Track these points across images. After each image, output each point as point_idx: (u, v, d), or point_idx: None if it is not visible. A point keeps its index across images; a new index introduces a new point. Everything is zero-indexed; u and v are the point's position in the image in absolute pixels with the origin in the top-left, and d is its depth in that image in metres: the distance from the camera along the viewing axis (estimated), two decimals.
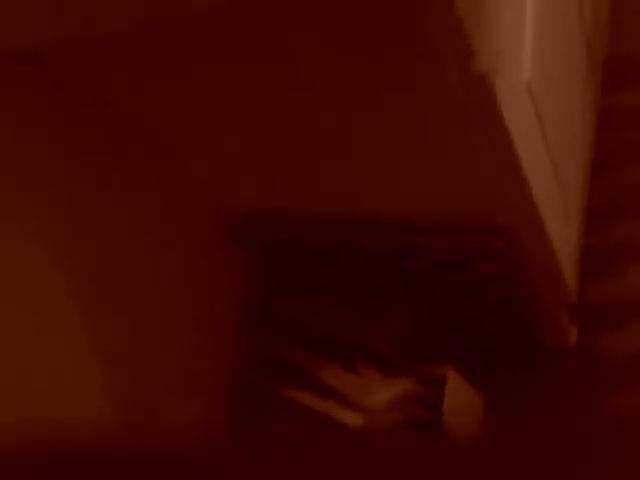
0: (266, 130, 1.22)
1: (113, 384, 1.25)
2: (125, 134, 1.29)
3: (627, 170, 1.88)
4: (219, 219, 1.50)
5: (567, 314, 1.67)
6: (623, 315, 1.71)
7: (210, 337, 1.48)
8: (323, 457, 0.51)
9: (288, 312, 1.55)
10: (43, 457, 0.56)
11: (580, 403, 1.64)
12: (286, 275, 1.61)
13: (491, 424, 1.69)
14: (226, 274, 1.53)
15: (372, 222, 1.40)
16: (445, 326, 1.65)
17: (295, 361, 1.46)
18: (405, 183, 1.29)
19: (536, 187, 1.28)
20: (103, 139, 1.26)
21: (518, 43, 1.19)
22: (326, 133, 1.20)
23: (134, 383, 1.30)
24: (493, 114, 1.10)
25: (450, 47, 1.00)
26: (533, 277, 1.49)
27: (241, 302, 1.56)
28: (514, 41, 1.17)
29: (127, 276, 1.29)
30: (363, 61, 1.04)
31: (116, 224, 1.28)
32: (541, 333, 1.68)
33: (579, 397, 1.65)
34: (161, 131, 1.27)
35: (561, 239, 1.50)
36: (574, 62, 1.61)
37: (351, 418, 1.38)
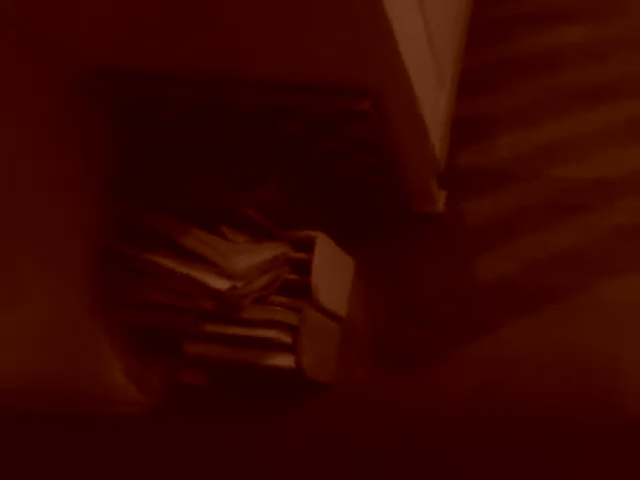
0: None
1: None
2: None
3: (501, 44, 1.89)
4: (77, 80, 1.40)
5: (435, 181, 1.69)
6: (489, 182, 1.76)
7: (66, 202, 1.41)
8: None
9: (150, 177, 1.49)
10: None
11: (444, 264, 1.69)
12: (150, 139, 1.53)
13: (361, 286, 1.72)
14: (84, 137, 1.45)
15: (243, 81, 1.34)
16: (315, 192, 1.63)
17: (158, 227, 1.41)
18: (276, 41, 1.23)
19: (405, 48, 1.25)
20: None
21: None
22: None
23: None
24: None
25: None
26: (401, 142, 1.48)
27: (100, 167, 1.49)
28: None
29: None
30: None
31: None
32: (410, 199, 1.70)
33: (444, 259, 1.69)
34: None
35: (431, 103, 1.49)
36: None
37: (218, 282, 1.36)
